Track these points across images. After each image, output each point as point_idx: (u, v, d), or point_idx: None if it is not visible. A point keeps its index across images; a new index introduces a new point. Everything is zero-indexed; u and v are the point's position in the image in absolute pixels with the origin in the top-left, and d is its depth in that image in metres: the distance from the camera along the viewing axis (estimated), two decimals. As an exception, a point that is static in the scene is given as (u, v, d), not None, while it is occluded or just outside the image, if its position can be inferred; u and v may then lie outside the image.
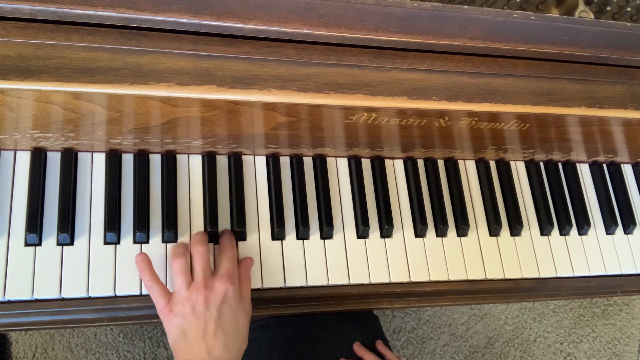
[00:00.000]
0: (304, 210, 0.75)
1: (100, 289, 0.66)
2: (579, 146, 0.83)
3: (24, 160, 0.68)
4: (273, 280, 0.72)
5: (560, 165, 0.90)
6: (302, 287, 0.73)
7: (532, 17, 0.63)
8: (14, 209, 0.67)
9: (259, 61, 0.59)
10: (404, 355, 1.48)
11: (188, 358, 0.60)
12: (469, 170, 0.85)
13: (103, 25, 0.54)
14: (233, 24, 0.55)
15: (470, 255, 0.80)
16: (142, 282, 0.67)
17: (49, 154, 0.69)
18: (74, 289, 0.65)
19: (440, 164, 0.84)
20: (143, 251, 0.68)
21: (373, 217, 0.78)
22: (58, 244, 0.67)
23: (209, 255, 0.67)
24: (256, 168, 0.76)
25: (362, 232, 0.76)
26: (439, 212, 0.80)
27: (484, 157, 0.85)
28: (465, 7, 0.61)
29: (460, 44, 0.61)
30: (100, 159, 0.71)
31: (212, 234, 0.71)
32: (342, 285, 0.75)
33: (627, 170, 0.93)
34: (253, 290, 0.70)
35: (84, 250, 0.67)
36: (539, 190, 0.86)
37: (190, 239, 0.70)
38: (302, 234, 0.74)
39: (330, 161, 0.79)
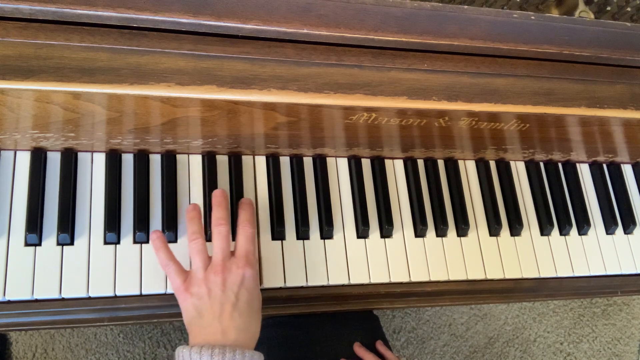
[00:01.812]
0: (304, 210, 0.75)
1: (100, 289, 0.66)
2: (579, 146, 0.83)
3: (24, 160, 0.68)
4: (273, 280, 0.72)
5: (560, 165, 0.90)
6: (302, 287, 0.73)
7: (532, 17, 0.63)
8: (14, 209, 0.67)
9: (259, 61, 0.59)
10: (404, 355, 1.48)
11: (202, 339, 0.60)
12: (469, 170, 0.85)
13: (103, 25, 0.54)
14: (233, 24, 0.55)
15: (470, 255, 0.80)
16: (158, 260, 0.66)
17: (49, 154, 0.69)
18: (74, 289, 0.65)
19: (440, 164, 0.84)
20: (156, 229, 0.68)
21: (373, 217, 0.78)
22: (58, 244, 0.67)
23: (229, 235, 0.65)
24: (256, 168, 0.76)
25: (362, 232, 0.76)
26: (439, 212, 0.80)
27: (484, 157, 0.85)
28: (465, 7, 0.61)
29: (460, 44, 0.61)
30: (100, 159, 0.71)
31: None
32: (342, 285, 0.75)
33: (627, 170, 0.93)
34: (253, 290, 0.70)
35: (84, 250, 0.67)
36: (539, 190, 0.86)
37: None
38: (302, 234, 0.74)
39: (330, 161, 0.79)
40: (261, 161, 0.76)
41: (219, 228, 0.65)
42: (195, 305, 0.61)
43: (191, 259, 0.65)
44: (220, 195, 0.67)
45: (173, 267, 0.65)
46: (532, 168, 0.87)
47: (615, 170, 0.92)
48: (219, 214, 0.66)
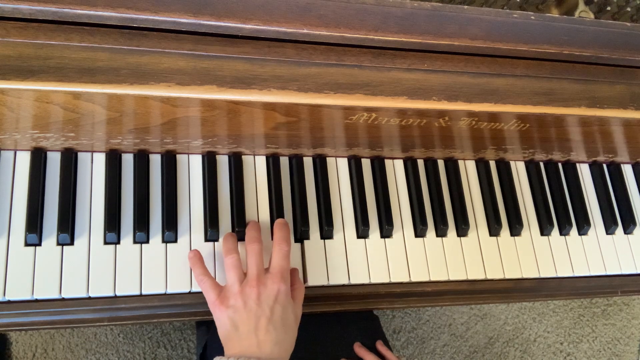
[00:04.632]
0: (303, 210, 0.75)
1: (100, 289, 0.66)
2: (579, 146, 0.83)
3: (24, 160, 0.68)
4: (273, 280, 0.72)
5: (560, 165, 0.90)
6: (302, 287, 0.73)
7: (532, 17, 0.63)
8: (14, 209, 0.67)
9: (259, 61, 0.59)
10: (404, 355, 1.48)
11: (238, 350, 0.61)
12: (469, 170, 0.85)
13: (103, 25, 0.54)
14: (233, 24, 0.55)
15: (470, 255, 0.80)
16: (193, 275, 0.68)
17: (49, 154, 0.69)
18: (74, 289, 0.65)
19: (440, 164, 0.84)
20: (195, 249, 0.70)
21: (373, 217, 0.78)
22: (58, 244, 0.67)
23: (262, 253, 0.68)
24: (256, 168, 0.76)
25: (362, 232, 0.76)
26: (439, 212, 0.80)
27: (484, 157, 0.85)
28: (465, 7, 0.61)
29: (460, 44, 0.61)
30: (100, 159, 0.71)
31: (212, 234, 0.71)
32: (342, 285, 0.75)
33: (627, 170, 0.93)
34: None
35: (84, 250, 0.67)
36: (539, 190, 0.86)
37: (191, 239, 0.70)
38: (302, 234, 0.74)
39: (330, 161, 0.79)
40: (261, 161, 0.76)
41: (253, 246, 0.67)
42: (231, 318, 0.62)
43: (226, 274, 0.66)
44: (252, 221, 0.72)
45: (208, 282, 0.66)
46: (532, 168, 0.87)
47: (615, 170, 0.92)
48: (252, 234, 0.69)
